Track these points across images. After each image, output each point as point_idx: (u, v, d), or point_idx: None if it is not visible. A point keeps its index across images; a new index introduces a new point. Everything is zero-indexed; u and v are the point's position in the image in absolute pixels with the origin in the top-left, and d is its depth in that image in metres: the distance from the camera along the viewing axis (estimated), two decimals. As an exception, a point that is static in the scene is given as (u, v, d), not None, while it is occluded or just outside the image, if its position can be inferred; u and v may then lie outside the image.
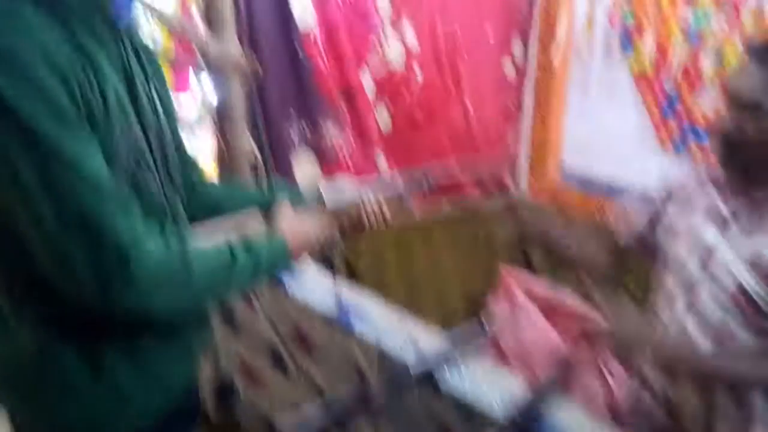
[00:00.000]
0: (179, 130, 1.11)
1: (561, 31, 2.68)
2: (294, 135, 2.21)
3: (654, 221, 1.42)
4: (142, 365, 0.95)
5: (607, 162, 2.76)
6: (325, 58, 2.21)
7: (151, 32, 1.79)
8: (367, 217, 1.25)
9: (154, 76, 1.02)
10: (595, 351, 1.66)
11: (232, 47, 1.93)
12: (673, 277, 1.32)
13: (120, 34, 0.91)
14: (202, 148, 2.85)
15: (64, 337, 0.88)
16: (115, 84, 0.86)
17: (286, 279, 1.60)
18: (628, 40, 2.56)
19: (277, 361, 1.66)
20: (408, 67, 2.48)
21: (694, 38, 2.36)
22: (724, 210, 1.24)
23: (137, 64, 0.95)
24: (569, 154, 2.91)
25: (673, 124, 2.52)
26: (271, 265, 1.03)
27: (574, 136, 2.87)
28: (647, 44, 2.44)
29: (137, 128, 0.90)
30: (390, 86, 2.45)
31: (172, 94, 1.10)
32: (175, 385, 1.03)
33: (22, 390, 0.93)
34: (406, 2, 2.38)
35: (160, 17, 1.85)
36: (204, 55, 1.86)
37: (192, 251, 0.91)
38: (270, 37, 2.07)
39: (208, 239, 1.01)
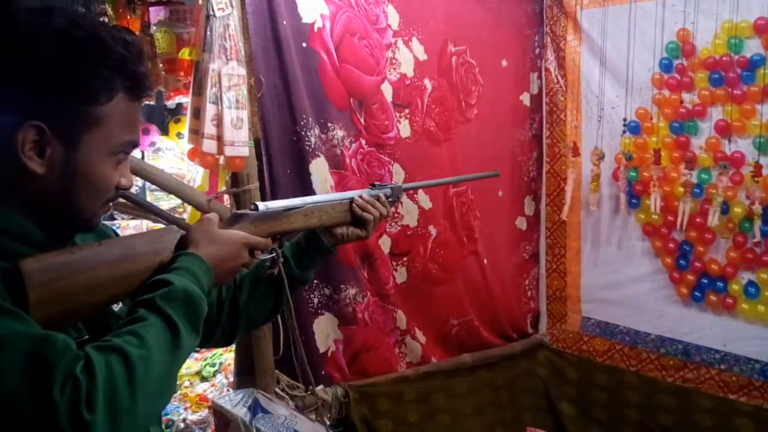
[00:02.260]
0: None
1: (568, 188, 2.82)
2: (314, 299, 2.28)
3: None
4: None
5: (626, 310, 2.78)
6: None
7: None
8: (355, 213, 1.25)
9: None
10: None
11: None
12: None
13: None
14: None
15: None
16: None
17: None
18: (635, 196, 2.68)
19: None
20: (422, 224, 2.60)
21: (699, 195, 2.46)
22: None
23: None
24: (587, 303, 2.94)
25: (688, 274, 2.56)
26: (198, 286, 0.92)
27: (591, 285, 2.91)
28: (653, 199, 2.53)
29: (79, 333, 0.92)
30: (407, 244, 2.55)
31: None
32: None
33: None
34: (418, 170, 2.53)
35: (188, 198, 2.01)
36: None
37: (119, 339, 0.80)
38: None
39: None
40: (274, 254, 1.16)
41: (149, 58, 2.00)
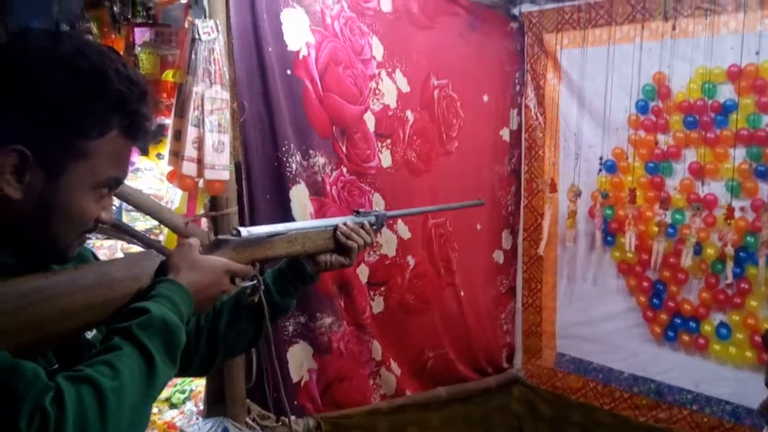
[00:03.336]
0: None
1: (545, 223, 2.85)
2: (289, 327, 2.24)
3: None
4: None
5: (600, 347, 2.80)
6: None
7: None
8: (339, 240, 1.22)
9: None
10: None
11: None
12: None
13: None
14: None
15: None
16: None
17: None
18: (610, 234, 2.71)
19: None
20: (401, 254, 2.59)
21: (673, 234, 2.51)
22: None
23: None
24: (562, 339, 2.94)
25: (661, 314, 2.58)
26: (177, 313, 0.88)
27: (565, 321, 2.93)
28: (628, 238, 2.57)
29: (49, 364, 0.86)
30: (384, 273, 2.54)
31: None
32: None
33: None
34: (398, 200, 2.54)
35: (166, 221, 1.98)
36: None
37: (90, 368, 0.77)
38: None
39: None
40: (255, 281, 1.13)
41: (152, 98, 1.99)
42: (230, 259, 1.05)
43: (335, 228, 1.26)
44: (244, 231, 1.10)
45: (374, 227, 1.35)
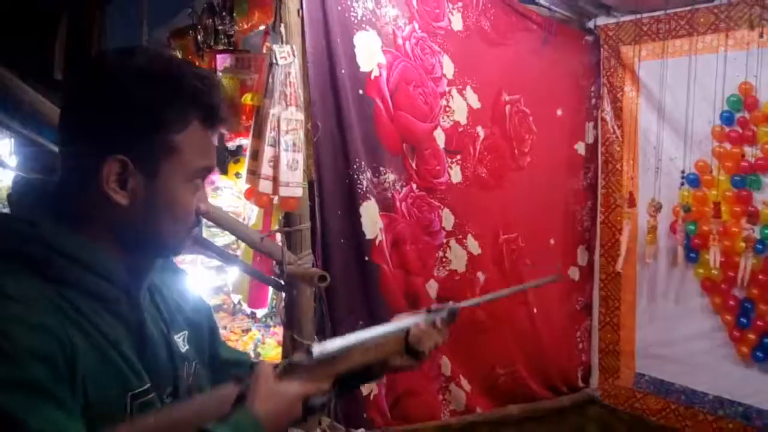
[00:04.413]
0: (215, 338, 1.14)
1: (623, 239, 2.77)
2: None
3: None
4: None
5: (682, 368, 2.68)
6: (390, 266, 2.36)
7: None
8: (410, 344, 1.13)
9: (183, 315, 1.06)
10: None
11: (307, 261, 2.12)
12: None
13: (136, 297, 0.94)
14: (271, 342, 3.00)
15: None
16: (126, 346, 0.90)
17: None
18: (693, 250, 2.60)
19: None
20: (470, 270, 2.59)
21: (762, 250, 2.38)
22: None
23: (154, 316, 0.99)
24: (642, 358, 2.84)
25: (749, 333, 2.45)
26: None
27: (646, 340, 2.82)
28: (713, 254, 2.46)
29: (148, 387, 0.92)
30: (453, 288, 2.55)
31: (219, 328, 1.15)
32: None
33: None
34: (469, 217, 2.55)
35: (242, 236, 2.09)
36: (281, 268, 2.05)
37: None
38: (341, 249, 2.25)
39: None
40: (327, 396, 1.07)
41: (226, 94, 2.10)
42: (305, 381, 1.02)
43: (407, 332, 1.18)
44: (317, 350, 1.04)
45: (446, 321, 1.24)
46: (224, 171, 2.93)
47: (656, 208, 2.68)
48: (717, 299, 2.54)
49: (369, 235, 2.29)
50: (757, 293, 2.41)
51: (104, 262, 0.91)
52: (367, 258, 2.29)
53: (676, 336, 2.68)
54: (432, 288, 2.49)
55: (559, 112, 2.87)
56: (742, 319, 2.46)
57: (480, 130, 2.60)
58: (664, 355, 2.74)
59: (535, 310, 2.75)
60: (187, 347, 1.05)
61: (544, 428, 2.73)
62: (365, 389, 2.29)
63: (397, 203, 2.37)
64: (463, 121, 2.55)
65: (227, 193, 2.82)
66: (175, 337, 1.03)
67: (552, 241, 2.85)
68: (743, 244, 2.40)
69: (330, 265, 2.20)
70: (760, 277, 2.39)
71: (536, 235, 2.78)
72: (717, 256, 2.46)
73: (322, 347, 1.04)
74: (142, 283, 0.97)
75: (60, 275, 0.87)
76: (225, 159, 2.96)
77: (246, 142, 2.19)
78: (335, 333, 2.24)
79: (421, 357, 1.19)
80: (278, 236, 2.16)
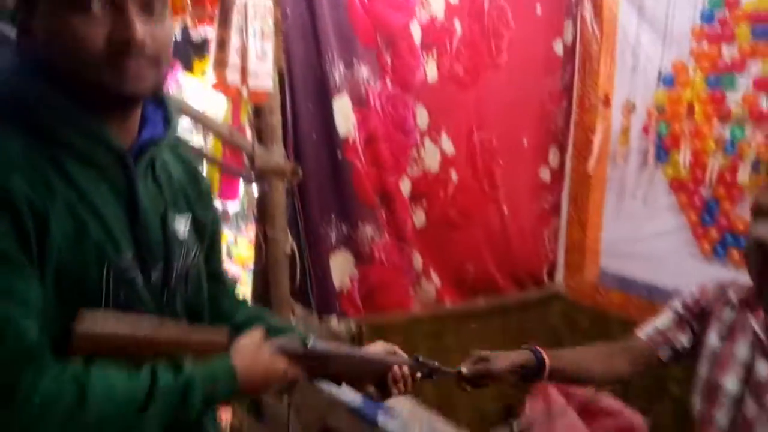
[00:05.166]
0: (214, 247, 1.13)
1: (596, 140, 2.77)
2: (332, 235, 2.31)
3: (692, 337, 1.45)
4: None
5: (645, 265, 2.76)
6: (364, 163, 2.34)
7: (201, 143, 1.96)
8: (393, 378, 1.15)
9: (187, 200, 1.03)
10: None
11: (278, 155, 2.09)
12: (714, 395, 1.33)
13: (126, 162, 0.90)
14: (243, 241, 3.02)
15: None
16: (110, 213, 0.87)
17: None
18: (664, 150, 2.62)
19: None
20: (444, 170, 2.60)
21: (731, 150, 2.40)
22: (758, 328, 1.27)
23: (151, 189, 0.96)
24: (607, 256, 2.92)
25: (712, 230, 2.52)
26: (209, 389, 0.90)
27: (612, 239, 2.90)
28: (683, 154, 2.49)
29: (128, 258, 0.90)
30: (426, 188, 2.56)
31: (218, 203, 1.13)
32: None
33: None
34: (443, 115, 2.52)
35: (211, 128, 2.04)
36: (252, 162, 2.02)
37: (94, 376, 0.81)
38: (313, 144, 2.22)
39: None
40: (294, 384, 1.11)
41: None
42: (290, 364, 1.05)
43: (389, 368, 1.18)
44: (312, 343, 1.08)
45: (426, 377, 1.24)
46: (189, 68, 2.82)
47: (630, 109, 2.67)
48: (684, 198, 2.60)
49: (342, 131, 2.26)
50: (723, 192, 2.46)
51: (85, 119, 0.86)
52: (339, 154, 2.27)
53: (641, 234, 2.75)
54: (405, 187, 2.50)
55: (538, 10, 2.79)
56: (706, 217, 2.53)
57: (457, 25, 2.52)
58: (629, 252, 2.82)
59: (505, 209, 2.79)
60: (187, 233, 1.01)
61: (509, 321, 2.84)
62: (338, 283, 2.33)
63: (371, 99, 2.32)
64: (440, 15, 2.46)
65: (193, 91, 2.72)
66: (176, 217, 1.00)
67: (525, 142, 2.84)
68: (713, 145, 2.42)
69: (302, 161, 2.18)
70: (726, 176, 2.43)
71: (509, 135, 2.76)
72: (687, 157, 2.49)
73: (317, 343, 1.08)
74: (132, 148, 0.92)
75: (49, 133, 0.84)
76: (189, 55, 2.84)
77: (212, 34, 2.09)
78: (307, 229, 2.26)
79: (387, 396, 1.19)
80: (248, 131, 2.12)
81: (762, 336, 1.30)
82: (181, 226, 1.00)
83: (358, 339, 2.33)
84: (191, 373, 0.88)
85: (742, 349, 1.33)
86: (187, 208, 1.03)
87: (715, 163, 2.42)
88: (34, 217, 0.78)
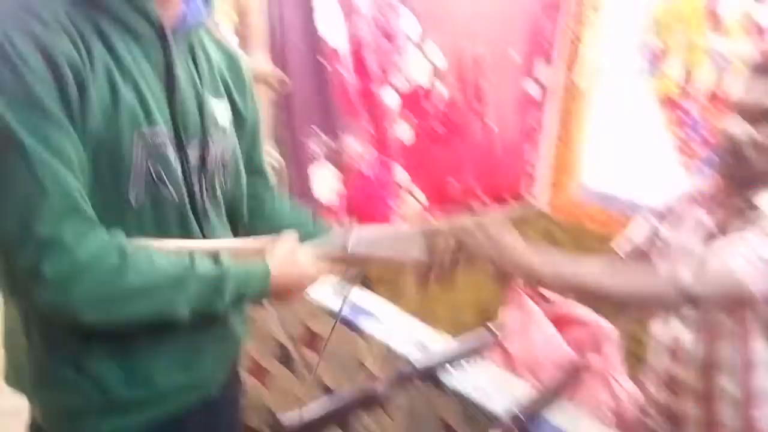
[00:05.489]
0: (256, 141, 1.10)
1: (585, 53, 2.72)
2: (315, 147, 2.27)
3: (651, 236, 1.45)
4: (130, 366, 0.91)
5: (629, 180, 2.77)
6: (349, 73, 2.27)
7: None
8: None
9: (226, 86, 1.02)
10: (603, 359, 1.67)
11: (262, 61, 2.01)
12: None
13: (165, 36, 0.90)
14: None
15: (48, 330, 0.89)
16: (145, 84, 0.87)
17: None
18: (654, 63, 2.59)
19: (286, 359, 1.70)
20: (431, 83, 2.54)
21: (721, 64, 2.37)
22: (710, 222, 1.28)
23: (189, 69, 0.95)
24: (591, 172, 2.92)
25: (697, 146, 2.52)
26: (242, 285, 0.92)
27: (597, 155, 2.89)
28: (673, 68, 2.46)
29: (163, 132, 0.89)
30: (413, 101, 2.51)
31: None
32: (170, 391, 0.96)
33: (28, 377, 0.94)
34: (432, 24, 2.45)
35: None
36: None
37: (138, 249, 0.84)
38: (298, 51, 2.14)
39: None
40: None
41: None
42: (325, 266, 1.04)
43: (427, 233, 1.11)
44: (353, 245, 1.04)
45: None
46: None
47: (621, 21, 2.61)
48: (671, 114, 2.58)
49: (328, 39, 2.18)
50: (710, 108, 2.44)
51: None
52: (324, 62, 2.20)
53: (627, 149, 2.74)
54: (392, 99, 2.44)
55: None
56: (692, 133, 2.52)
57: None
58: (614, 168, 2.82)
59: (491, 124, 2.75)
60: (225, 118, 1.00)
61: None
62: (320, 196, 2.32)
63: (359, 7, 2.24)
64: None
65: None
66: (214, 99, 0.98)
67: (513, 55, 2.78)
68: (704, 58, 2.38)
69: (286, 69, 2.10)
70: (716, 91, 2.40)
71: (498, 49, 2.70)
72: (677, 71, 2.45)
73: (358, 243, 1.04)
74: (173, 25, 0.91)
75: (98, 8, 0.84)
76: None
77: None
78: (294, 141, 2.21)
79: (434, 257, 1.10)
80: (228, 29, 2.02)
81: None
82: (220, 109, 1.00)
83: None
84: (228, 266, 0.90)
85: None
86: (225, 93, 1.02)
87: (704, 78, 2.39)
88: (75, 78, 0.79)
